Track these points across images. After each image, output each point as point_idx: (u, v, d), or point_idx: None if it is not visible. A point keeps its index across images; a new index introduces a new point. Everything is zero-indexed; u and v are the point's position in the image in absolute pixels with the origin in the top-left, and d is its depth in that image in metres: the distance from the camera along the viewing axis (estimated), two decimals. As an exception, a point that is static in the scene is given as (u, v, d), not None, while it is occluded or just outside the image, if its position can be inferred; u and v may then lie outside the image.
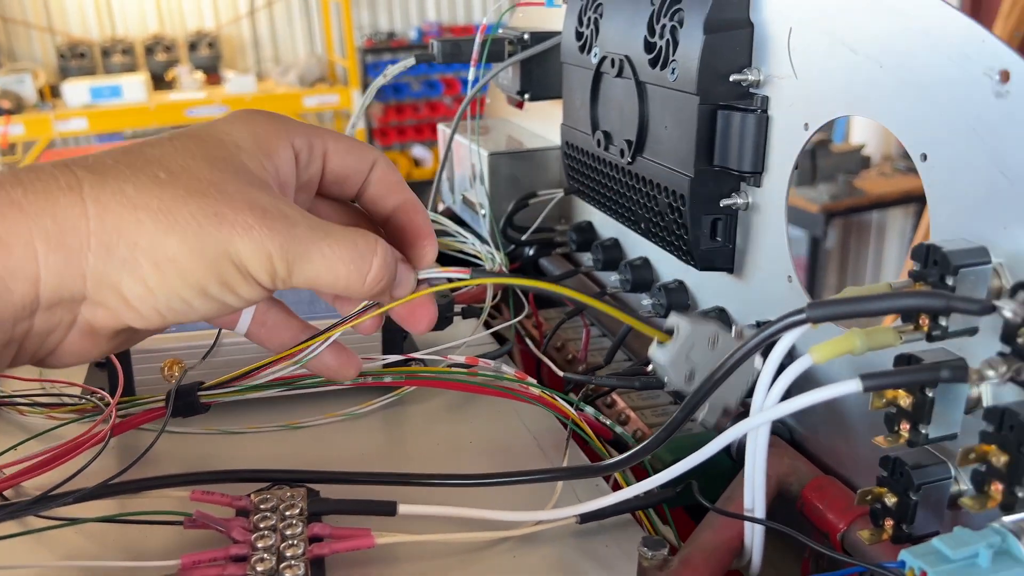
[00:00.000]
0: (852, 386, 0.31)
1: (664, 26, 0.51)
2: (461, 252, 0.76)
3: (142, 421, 0.45)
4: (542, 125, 0.82)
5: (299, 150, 0.36)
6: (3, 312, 0.29)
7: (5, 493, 0.41)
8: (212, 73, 4.20)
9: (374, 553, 0.38)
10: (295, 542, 0.36)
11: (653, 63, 0.52)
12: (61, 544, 0.39)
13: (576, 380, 0.50)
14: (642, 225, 0.58)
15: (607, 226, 0.69)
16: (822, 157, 2.65)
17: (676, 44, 0.50)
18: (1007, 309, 0.29)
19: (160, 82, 4.10)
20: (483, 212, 0.76)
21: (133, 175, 0.30)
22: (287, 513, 0.37)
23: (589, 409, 0.47)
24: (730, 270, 0.52)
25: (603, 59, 0.59)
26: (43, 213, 0.29)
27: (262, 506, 0.38)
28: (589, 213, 0.72)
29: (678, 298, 0.57)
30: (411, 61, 0.72)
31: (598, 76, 0.60)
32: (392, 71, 0.72)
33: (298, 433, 0.49)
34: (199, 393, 0.46)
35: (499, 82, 0.77)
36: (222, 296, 0.32)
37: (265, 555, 0.35)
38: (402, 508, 0.39)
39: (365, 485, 0.41)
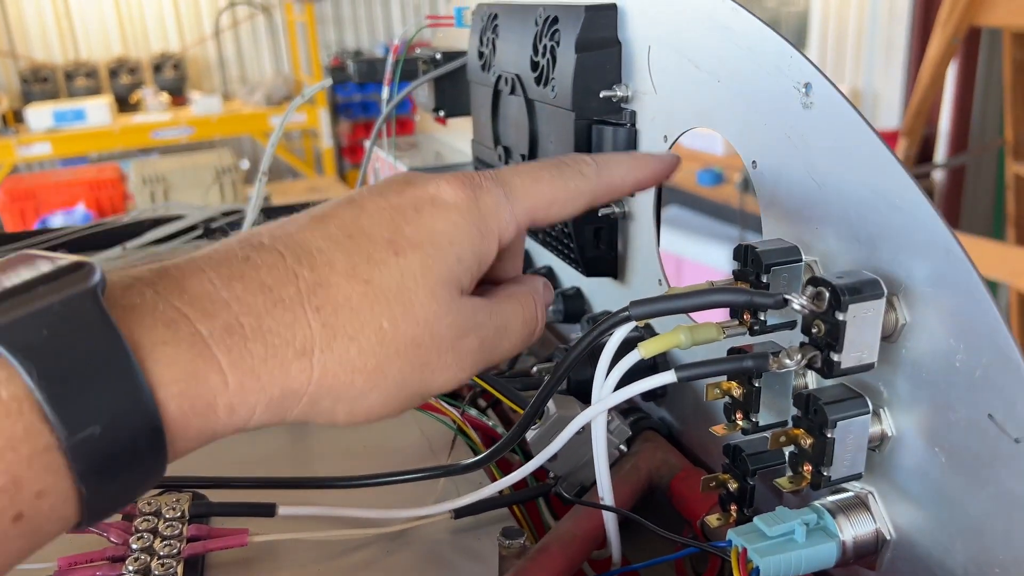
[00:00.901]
0: (668, 377, 0.33)
1: (545, 46, 0.54)
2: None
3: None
4: (466, 140, 0.84)
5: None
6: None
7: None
8: (178, 95, 4.21)
9: (253, 553, 0.40)
10: (171, 542, 0.38)
11: (538, 81, 0.55)
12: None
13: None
14: (539, 235, 0.60)
15: (540, 249, 0.71)
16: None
17: (555, 62, 0.52)
18: (796, 302, 0.31)
19: (125, 104, 4.10)
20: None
21: (360, 328, 0.29)
22: (168, 515, 0.39)
23: (472, 411, 0.49)
24: (614, 276, 0.54)
25: (499, 77, 0.61)
26: (275, 383, 0.28)
27: (144, 510, 0.40)
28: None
29: (575, 304, 0.60)
30: (328, 81, 0.75)
31: (496, 94, 0.63)
32: (309, 91, 0.74)
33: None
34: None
35: (419, 100, 0.80)
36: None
37: (141, 555, 0.37)
38: (282, 510, 0.41)
39: (250, 489, 0.43)
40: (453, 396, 0.50)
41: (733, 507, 0.39)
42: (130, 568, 0.36)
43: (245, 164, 3.45)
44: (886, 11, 3.20)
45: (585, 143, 0.51)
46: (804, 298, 0.31)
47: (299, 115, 4.16)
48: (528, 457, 0.44)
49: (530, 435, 0.45)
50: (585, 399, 0.45)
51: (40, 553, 0.37)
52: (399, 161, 0.79)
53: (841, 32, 3.35)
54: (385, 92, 0.73)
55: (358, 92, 4.75)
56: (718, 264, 2.22)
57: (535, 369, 0.52)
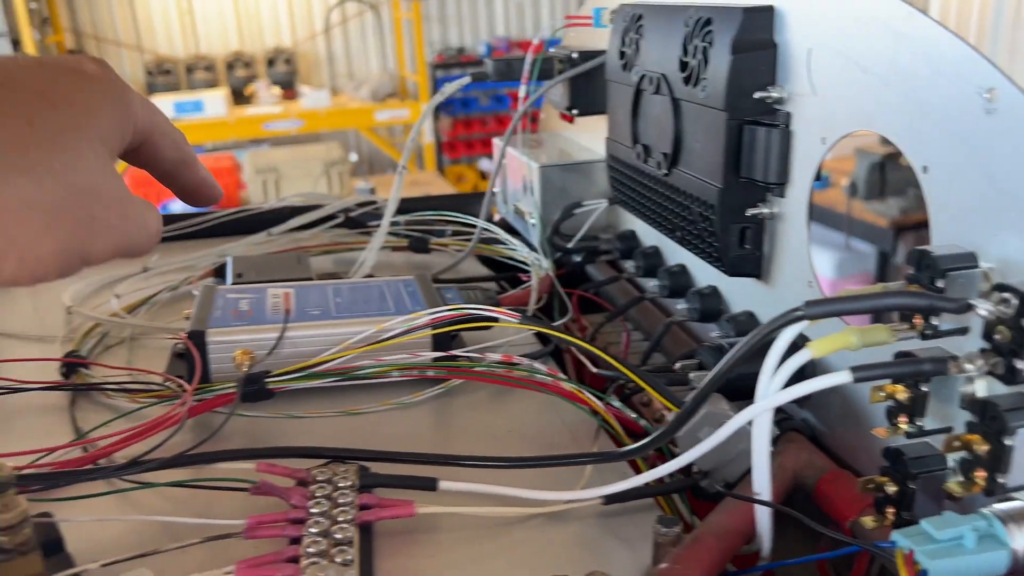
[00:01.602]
0: (843, 377, 0.34)
1: (696, 46, 0.54)
2: (511, 259, 0.80)
3: (215, 404, 0.51)
4: (591, 138, 0.86)
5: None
6: None
7: (99, 461, 0.47)
8: (289, 88, 4.36)
9: (416, 523, 0.42)
10: (346, 508, 0.40)
11: (686, 81, 0.56)
12: (143, 504, 0.44)
13: (608, 376, 0.54)
14: (678, 233, 0.61)
15: (648, 234, 0.72)
16: (892, 171, 2.61)
17: (707, 63, 0.53)
18: (982, 308, 0.31)
19: (239, 97, 4.28)
20: (532, 221, 0.80)
21: (32, 165, 0.29)
22: (340, 485, 0.42)
23: (617, 403, 0.51)
24: (758, 276, 0.55)
25: (642, 77, 0.62)
26: None
27: (319, 478, 0.43)
28: (632, 222, 0.75)
29: (712, 303, 0.60)
30: (466, 79, 0.77)
31: (638, 93, 0.64)
32: (449, 88, 0.77)
33: (354, 419, 0.54)
34: (266, 381, 0.51)
35: (551, 98, 0.81)
36: None
37: (320, 518, 0.39)
38: (442, 484, 0.43)
39: (411, 464, 0.45)
40: (597, 388, 0.52)
41: (890, 510, 0.39)
42: (312, 530, 0.39)
43: (354, 157, 3.55)
44: (1012, 13, 3.05)
45: (735, 143, 0.52)
46: (990, 303, 0.31)
47: (403, 111, 4.26)
48: (670, 451, 0.45)
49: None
50: (732, 396, 0.46)
51: (232, 513, 0.40)
52: (525, 156, 0.81)
53: (960, 33, 3.21)
54: (522, 90, 0.75)
55: (459, 89, 4.83)
56: (820, 269, 2.17)
57: (679, 366, 0.52)
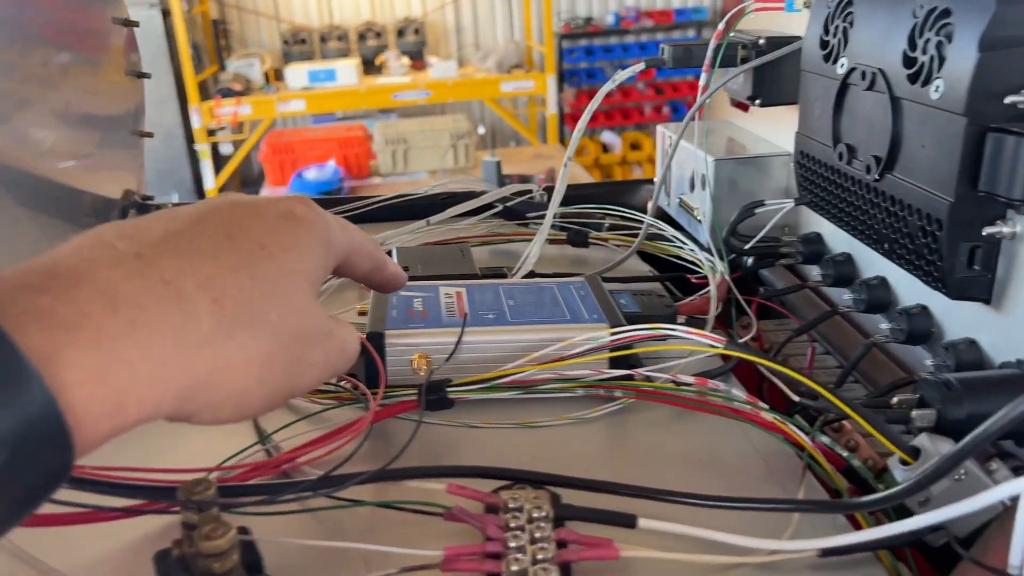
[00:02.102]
0: None
1: (928, 40, 0.48)
2: (677, 257, 0.76)
3: (396, 412, 0.49)
4: (765, 128, 0.80)
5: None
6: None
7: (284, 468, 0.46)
8: (417, 59, 4.40)
9: (613, 564, 0.39)
10: (545, 545, 0.38)
11: (913, 79, 0.50)
12: (329, 520, 0.43)
13: (811, 406, 0.49)
14: (885, 245, 0.55)
15: (838, 239, 0.66)
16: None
17: (942, 60, 0.47)
18: None
19: (370, 67, 4.34)
20: (702, 218, 0.75)
21: (253, 319, 0.32)
22: (534, 515, 0.40)
23: (824, 438, 0.46)
24: (987, 300, 0.49)
25: (852, 70, 0.56)
26: (182, 373, 0.30)
27: (511, 505, 0.40)
28: (818, 224, 0.69)
29: (920, 324, 0.55)
30: (641, 66, 0.73)
31: (844, 87, 0.58)
32: (621, 76, 0.73)
33: (530, 432, 0.51)
34: (447, 390, 0.49)
35: (729, 86, 0.76)
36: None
37: (518, 555, 0.37)
38: (642, 522, 0.40)
39: (604, 494, 0.42)
40: (807, 420, 0.47)
41: None
42: (512, 568, 0.36)
43: (482, 130, 3.55)
44: None
45: (974, 152, 0.46)
46: None
47: (527, 82, 4.23)
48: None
49: (901, 477, 0.41)
50: (960, 439, 0.41)
51: (424, 539, 0.39)
52: (696, 149, 0.76)
53: None
54: (703, 78, 0.70)
55: (584, 60, 4.75)
56: None
57: (896, 400, 0.47)
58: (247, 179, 4.64)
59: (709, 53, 0.69)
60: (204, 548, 0.32)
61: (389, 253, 0.73)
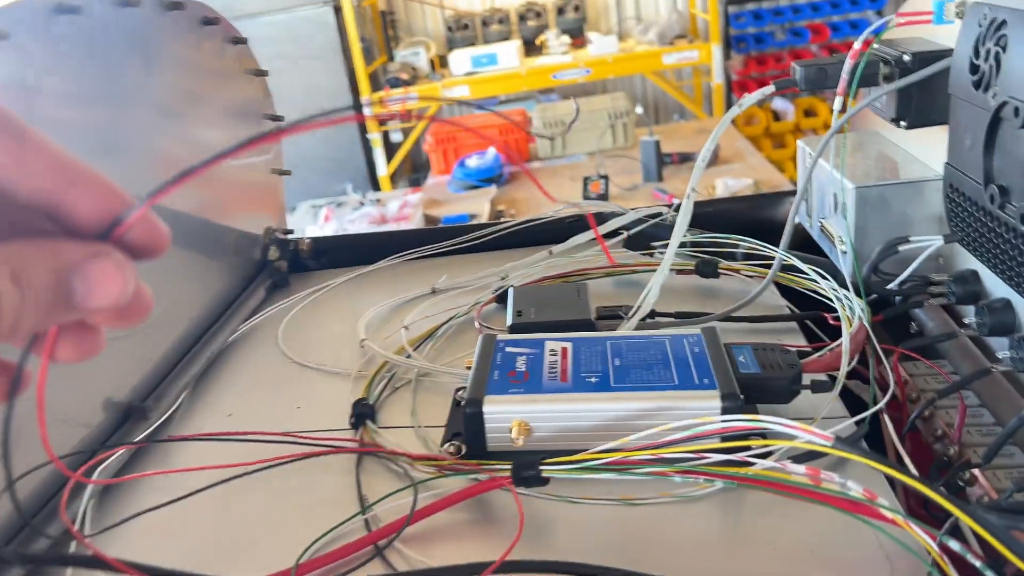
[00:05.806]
0: None
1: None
2: (813, 292, 0.70)
3: (491, 487, 0.49)
4: (921, 143, 0.72)
5: None
6: None
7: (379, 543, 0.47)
8: (577, 36, 4.35)
9: None
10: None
11: (1073, 123, 0.43)
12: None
13: (953, 502, 0.44)
14: (1002, 268, 0.48)
15: (997, 280, 0.59)
16: None
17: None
18: None
19: (531, 48, 4.34)
20: (843, 248, 0.69)
21: None
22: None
23: (956, 546, 0.41)
24: None
25: (1004, 104, 0.49)
26: None
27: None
28: (974, 260, 0.62)
29: (1088, 397, 0.47)
30: (770, 89, 0.67)
31: (996, 120, 0.51)
32: (748, 100, 0.68)
33: (630, 510, 0.50)
34: (539, 468, 0.48)
35: (873, 104, 0.69)
36: None
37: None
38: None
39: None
40: (933, 517, 0.42)
41: None
42: None
43: (639, 109, 3.47)
44: None
45: None
46: None
47: (691, 52, 4.07)
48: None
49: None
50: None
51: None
52: (836, 172, 0.69)
53: None
54: (837, 102, 0.64)
55: (752, 25, 4.50)
56: None
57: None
58: (417, 165, 4.79)
59: (844, 75, 0.63)
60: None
61: (505, 295, 0.73)
